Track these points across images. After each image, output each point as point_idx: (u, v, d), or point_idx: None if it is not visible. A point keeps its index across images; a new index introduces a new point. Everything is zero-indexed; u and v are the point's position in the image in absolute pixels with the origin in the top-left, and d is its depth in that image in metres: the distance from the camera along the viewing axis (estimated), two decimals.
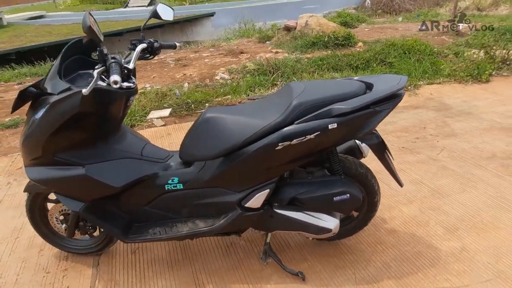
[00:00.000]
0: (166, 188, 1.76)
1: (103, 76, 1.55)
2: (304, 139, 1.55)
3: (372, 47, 6.46)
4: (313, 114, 1.56)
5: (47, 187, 1.75)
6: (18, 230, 2.38)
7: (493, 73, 5.11)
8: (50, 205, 2.00)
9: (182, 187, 1.76)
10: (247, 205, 1.71)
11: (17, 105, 1.61)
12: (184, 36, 17.33)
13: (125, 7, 23.31)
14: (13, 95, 5.29)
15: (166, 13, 1.84)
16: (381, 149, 1.78)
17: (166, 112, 4.18)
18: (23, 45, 12.35)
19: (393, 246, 2.12)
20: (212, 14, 17.30)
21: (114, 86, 1.39)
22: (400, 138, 3.43)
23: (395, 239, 2.17)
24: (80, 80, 1.65)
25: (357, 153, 1.95)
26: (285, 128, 1.56)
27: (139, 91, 5.27)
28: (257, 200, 1.69)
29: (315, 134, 1.55)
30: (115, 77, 1.38)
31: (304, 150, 1.61)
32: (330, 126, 1.55)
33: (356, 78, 1.80)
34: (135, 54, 1.68)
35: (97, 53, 1.54)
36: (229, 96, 4.77)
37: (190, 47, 8.23)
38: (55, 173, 1.65)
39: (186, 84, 5.38)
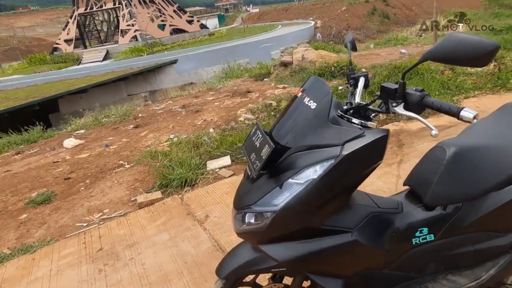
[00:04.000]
0: (414, 243, 1.43)
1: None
2: None
3: (378, 71, 6.59)
4: None
5: (302, 266, 1.33)
6: None
7: None
8: None
9: (433, 238, 1.44)
10: None
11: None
12: (148, 85, 16.91)
13: (78, 65, 22.49)
14: (19, 166, 4.56)
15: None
16: None
17: (225, 160, 3.77)
18: None
19: None
20: (175, 62, 17.19)
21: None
22: None
23: None
24: None
25: None
26: None
27: (167, 143, 4.83)
28: None
29: None
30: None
31: None
32: None
33: None
34: (359, 90, 1.46)
35: (398, 85, 1.24)
36: None
37: (187, 93, 7.89)
38: (318, 245, 1.26)
39: (211, 130, 5.04)
